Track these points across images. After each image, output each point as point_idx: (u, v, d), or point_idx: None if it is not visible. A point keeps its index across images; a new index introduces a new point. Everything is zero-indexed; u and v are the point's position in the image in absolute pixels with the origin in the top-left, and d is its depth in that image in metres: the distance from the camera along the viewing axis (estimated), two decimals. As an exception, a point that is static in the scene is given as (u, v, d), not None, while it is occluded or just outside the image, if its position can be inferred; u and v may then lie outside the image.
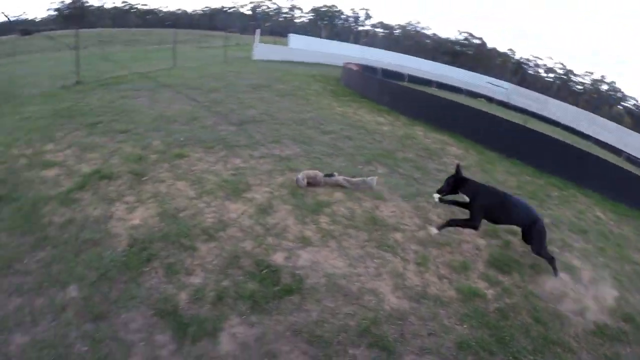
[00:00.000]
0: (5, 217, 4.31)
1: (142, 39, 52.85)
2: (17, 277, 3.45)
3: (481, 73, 42.10)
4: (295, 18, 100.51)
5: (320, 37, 56.37)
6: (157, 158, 5.92)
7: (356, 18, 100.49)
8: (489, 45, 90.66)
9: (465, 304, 3.77)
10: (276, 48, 30.20)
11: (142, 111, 8.70)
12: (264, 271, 3.71)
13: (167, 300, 3.27)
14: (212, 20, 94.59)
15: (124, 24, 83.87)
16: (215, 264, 3.76)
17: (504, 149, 9.15)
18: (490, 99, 27.33)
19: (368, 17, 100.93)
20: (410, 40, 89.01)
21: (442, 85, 26.01)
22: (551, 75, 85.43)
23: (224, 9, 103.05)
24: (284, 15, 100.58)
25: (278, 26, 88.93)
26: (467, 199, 4.75)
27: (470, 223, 4.71)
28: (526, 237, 4.79)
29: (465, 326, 3.51)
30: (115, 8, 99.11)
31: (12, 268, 3.55)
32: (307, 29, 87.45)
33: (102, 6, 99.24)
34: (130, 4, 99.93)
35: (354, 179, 5.61)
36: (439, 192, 4.87)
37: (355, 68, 18.43)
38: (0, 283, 3.38)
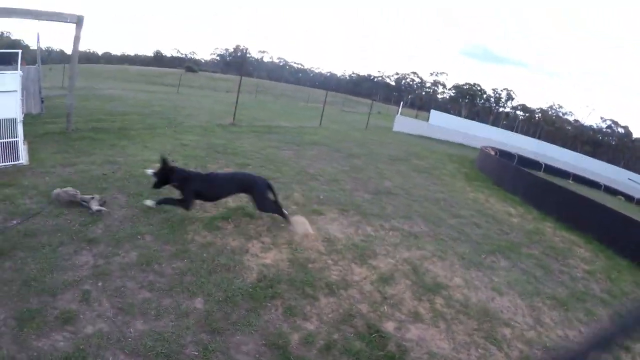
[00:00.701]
0: (155, 224, 5.24)
1: (292, 94, 56.92)
2: (152, 275, 4.14)
3: (623, 166, 38.95)
4: (438, 93, 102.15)
5: (461, 116, 56.33)
6: (296, 209, 6.51)
7: (497, 98, 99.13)
8: (635, 135, 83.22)
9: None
10: (416, 122, 31.02)
11: (288, 163, 9.62)
12: (374, 335, 3.89)
13: (280, 336, 3.61)
14: (357, 86, 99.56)
15: (278, 78, 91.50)
16: (331, 317, 4.04)
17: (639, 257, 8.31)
18: (630, 198, 24.77)
19: (510, 98, 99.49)
20: (550, 126, 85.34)
21: (579, 178, 24.51)
22: None
23: (371, 77, 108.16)
24: (427, 89, 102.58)
25: (420, 99, 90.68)
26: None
27: (184, 204, 5.50)
28: (254, 202, 5.79)
29: None
30: (272, 62, 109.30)
31: (150, 267, 4.26)
32: (448, 105, 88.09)
33: (261, 59, 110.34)
34: (286, 61, 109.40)
35: (86, 196, 5.45)
36: (154, 187, 5.62)
37: (492, 152, 18.21)
38: (137, 275, 4.08)
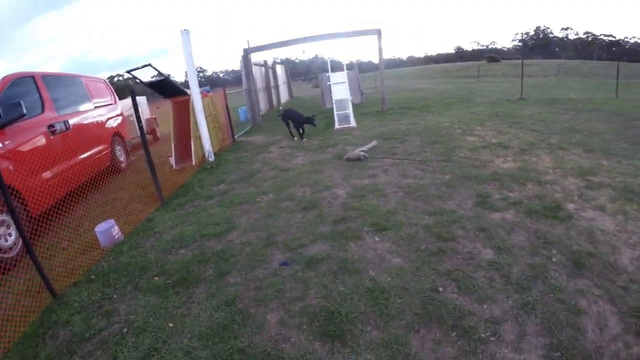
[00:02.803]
0: (437, 152, 7.72)
1: (601, 72, 51.60)
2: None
3: None
4: None
5: None
6: (544, 145, 7.89)
7: None
8: None
9: None
10: None
11: (559, 122, 10.67)
12: (553, 205, 4.88)
13: (484, 195, 5.25)
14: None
15: (587, 55, 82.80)
16: (529, 193, 4.88)
17: None
18: None
19: None
20: None
21: None
22: None
23: None
24: None
25: None
26: None
27: None
28: None
29: None
30: (579, 39, 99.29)
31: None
32: None
33: (566, 37, 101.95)
34: (594, 35, 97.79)
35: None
36: None
37: None
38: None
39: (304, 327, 3.01)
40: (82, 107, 8.03)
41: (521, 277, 3.42)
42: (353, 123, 12.42)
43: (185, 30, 8.71)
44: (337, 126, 12.35)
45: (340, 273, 3.70)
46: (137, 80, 9.13)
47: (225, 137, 11.65)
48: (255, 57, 17.84)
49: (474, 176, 6.19)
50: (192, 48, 8.81)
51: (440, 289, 3.34)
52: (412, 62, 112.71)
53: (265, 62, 20.50)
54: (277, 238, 4.63)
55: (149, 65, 8.63)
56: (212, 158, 9.09)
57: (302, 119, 11.18)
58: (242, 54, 16.04)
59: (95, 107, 8.63)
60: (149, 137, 13.04)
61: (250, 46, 16.31)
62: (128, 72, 8.82)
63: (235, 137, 12.42)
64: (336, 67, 15.39)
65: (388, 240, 4.29)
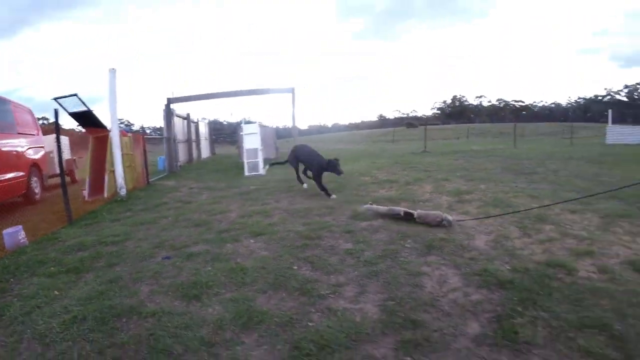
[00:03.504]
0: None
1: (509, 131, 56.40)
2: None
3: None
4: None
5: None
6: (430, 179, 9.19)
7: None
8: None
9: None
10: (633, 129, 28.25)
11: (452, 165, 12.28)
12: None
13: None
14: (585, 111, 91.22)
15: (499, 119, 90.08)
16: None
17: None
18: None
19: None
20: None
21: None
22: None
23: (598, 98, 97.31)
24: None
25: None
26: None
27: None
28: None
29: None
30: (492, 105, 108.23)
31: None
32: None
33: (480, 104, 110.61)
34: (505, 101, 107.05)
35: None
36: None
37: None
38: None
39: (169, 293, 3.62)
40: (6, 130, 8.30)
41: (372, 258, 4.25)
42: (262, 171, 13.56)
43: (112, 69, 9.40)
44: (246, 173, 13.41)
45: (212, 262, 4.37)
46: (62, 108, 9.29)
47: (139, 179, 11.98)
48: (179, 110, 18.76)
49: (355, 201, 7.20)
50: (116, 86, 9.43)
51: (295, 267, 4.10)
52: (337, 128, 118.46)
53: (188, 115, 21.09)
54: (166, 243, 5.24)
55: (76, 95, 9.00)
56: (124, 192, 9.45)
57: (319, 164, 8.32)
58: (165, 102, 16.85)
59: (19, 134, 8.89)
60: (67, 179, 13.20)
61: (174, 96, 17.20)
62: (55, 99, 9.05)
63: (150, 180, 12.70)
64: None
65: (261, 241, 5.06)
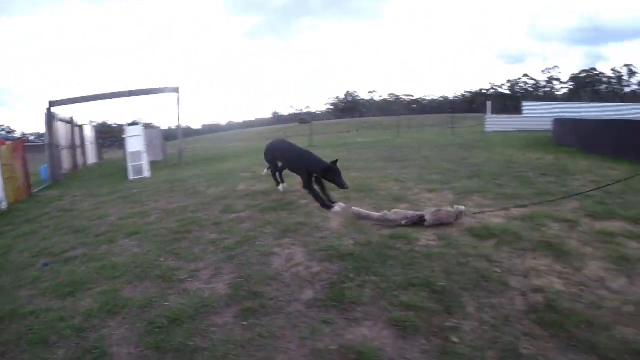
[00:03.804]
0: (210, 185, 9.16)
1: (401, 124, 59.46)
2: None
3: None
4: (556, 90, 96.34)
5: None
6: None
7: (619, 77, 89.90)
8: None
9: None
10: (509, 119, 31.43)
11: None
12: None
13: None
14: (471, 103, 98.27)
15: (391, 113, 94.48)
16: None
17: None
18: None
19: (632, 73, 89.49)
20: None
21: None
22: None
23: (483, 91, 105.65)
24: (543, 89, 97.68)
25: (540, 101, 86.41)
26: None
27: None
28: None
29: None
30: (384, 100, 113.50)
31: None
32: (571, 101, 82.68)
33: (372, 99, 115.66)
34: (396, 96, 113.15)
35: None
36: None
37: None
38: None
39: (47, 294, 4.06)
40: None
41: (231, 245, 4.85)
42: (147, 174, 13.99)
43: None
44: (131, 177, 13.75)
45: (88, 262, 4.85)
46: None
47: (21, 190, 11.43)
48: (64, 114, 18.27)
49: (230, 196, 7.86)
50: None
51: (162, 259, 4.71)
52: (231, 127, 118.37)
53: (72, 118, 20.13)
54: (46, 251, 5.55)
55: None
56: (4, 206, 9.31)
57: (309, 167, 6.48)
58: (47, 106, 16.34)
59: None
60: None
61: (57, 99, 16.65)
62: None
63: (33, 191, 12.23)
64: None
65: (135, 240, 5.60)
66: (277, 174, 7.91)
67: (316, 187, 6.38)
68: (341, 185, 6.08)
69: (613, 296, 3.22)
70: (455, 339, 2.76)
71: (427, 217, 4.93)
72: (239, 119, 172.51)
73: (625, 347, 2.59)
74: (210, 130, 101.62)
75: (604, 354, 2.53)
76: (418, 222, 4.95)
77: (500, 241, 4.40)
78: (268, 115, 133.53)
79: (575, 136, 14.38)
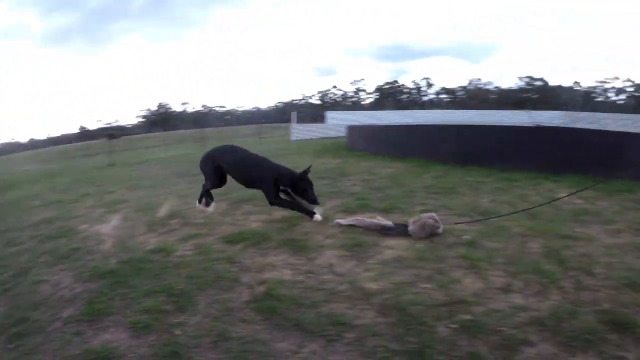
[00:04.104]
0: None
1: (214, 136, 58.29)
2: None
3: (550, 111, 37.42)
4: (362, 100, 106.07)
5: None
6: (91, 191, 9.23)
7: (418, 88, 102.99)
8: (552, 83, 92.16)
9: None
10: (313, 127, 33.07)
11: (129, 176, 12.61)
12: None
13: None
14: (284, 114, 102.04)
15: (206, 124, 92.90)
16: None
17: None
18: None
19: (429, 85, 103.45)
20: (475, 100, 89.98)
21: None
22: (622, 96, 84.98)
23: (294, 102, 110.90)
24: (351, 99, 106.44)
25: (348, 110, 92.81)
26: None
27: None
28: None
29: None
30: (197, 112, 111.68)
31: None
32: (376, 109, 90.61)
33: (184, 111, 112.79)
34: (209, 107, 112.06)
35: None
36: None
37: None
38: None
39: None
40: None
41: (7, 278, 4.47)
42: None
43: None
44: None
45: None
46: None
47: None
48: None
49: (13, 228, 6.80)
50: None
51: None
52: (34, 144, 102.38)
53: None
54: None
55: None
56: None
57: (275, 174, 5.57)
58: None
59: None
60: None
61: None
62: None
63: None
64: None
65: None
66: (209, 191, 6.33)
67: (284, 196, 5.62)
68: (313, 200, 5.38)
69: (336, 278, 3.78)
70: (178, 332, 3.09)
71: (411, 227, 4.63)
72: (43, 135, 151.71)
73: (330, 320, 3.09)
74: (6, 150, 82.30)
75: (309, 329, 3.01)
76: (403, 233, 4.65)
77: (249, 244, 4.78)
78: (75, 130, 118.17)
79: (364, 141, 15.83)
